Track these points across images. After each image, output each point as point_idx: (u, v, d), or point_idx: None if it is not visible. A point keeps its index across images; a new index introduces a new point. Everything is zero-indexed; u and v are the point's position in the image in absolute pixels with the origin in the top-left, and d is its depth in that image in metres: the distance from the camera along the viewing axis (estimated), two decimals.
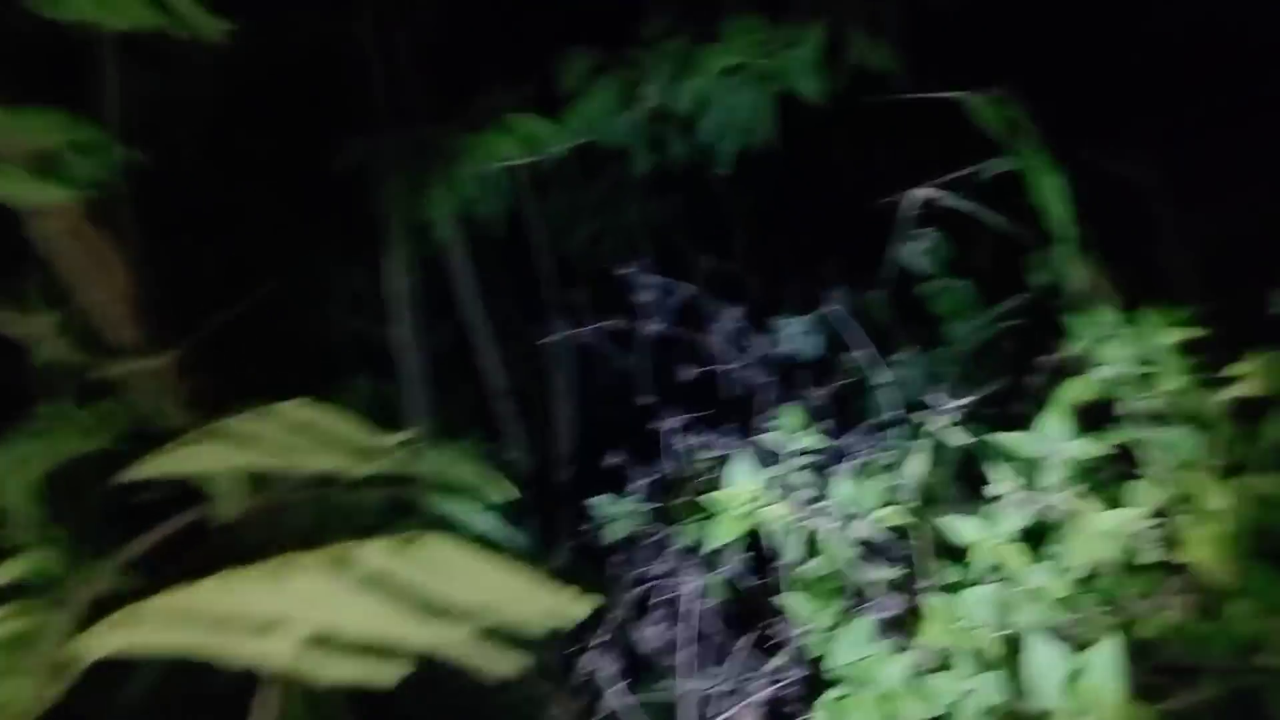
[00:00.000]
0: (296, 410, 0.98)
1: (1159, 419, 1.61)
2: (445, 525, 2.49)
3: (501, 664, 0.79)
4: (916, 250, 2.68)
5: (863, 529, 1.59)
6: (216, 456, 0.94)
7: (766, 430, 2.00)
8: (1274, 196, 2.22)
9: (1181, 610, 1.48)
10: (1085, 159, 2.22)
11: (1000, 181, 2.35)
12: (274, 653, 0.67)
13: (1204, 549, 1.46)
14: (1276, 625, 1.41)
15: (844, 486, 1.61)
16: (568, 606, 0.83)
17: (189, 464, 0.91)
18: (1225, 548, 1.46)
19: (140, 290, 1.61)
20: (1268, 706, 1.43)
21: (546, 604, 0.82)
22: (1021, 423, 1.96)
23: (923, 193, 2.22)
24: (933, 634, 1.41)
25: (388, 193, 2.36)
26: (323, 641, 0.71)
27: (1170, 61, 2.66)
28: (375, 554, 0.71)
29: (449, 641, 0.72)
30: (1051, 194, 2.17)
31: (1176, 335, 1.65)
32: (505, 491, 1.44)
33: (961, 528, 1.42)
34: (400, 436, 1.02)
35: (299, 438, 0.97)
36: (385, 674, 0.70)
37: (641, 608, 2.00)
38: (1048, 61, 2.66)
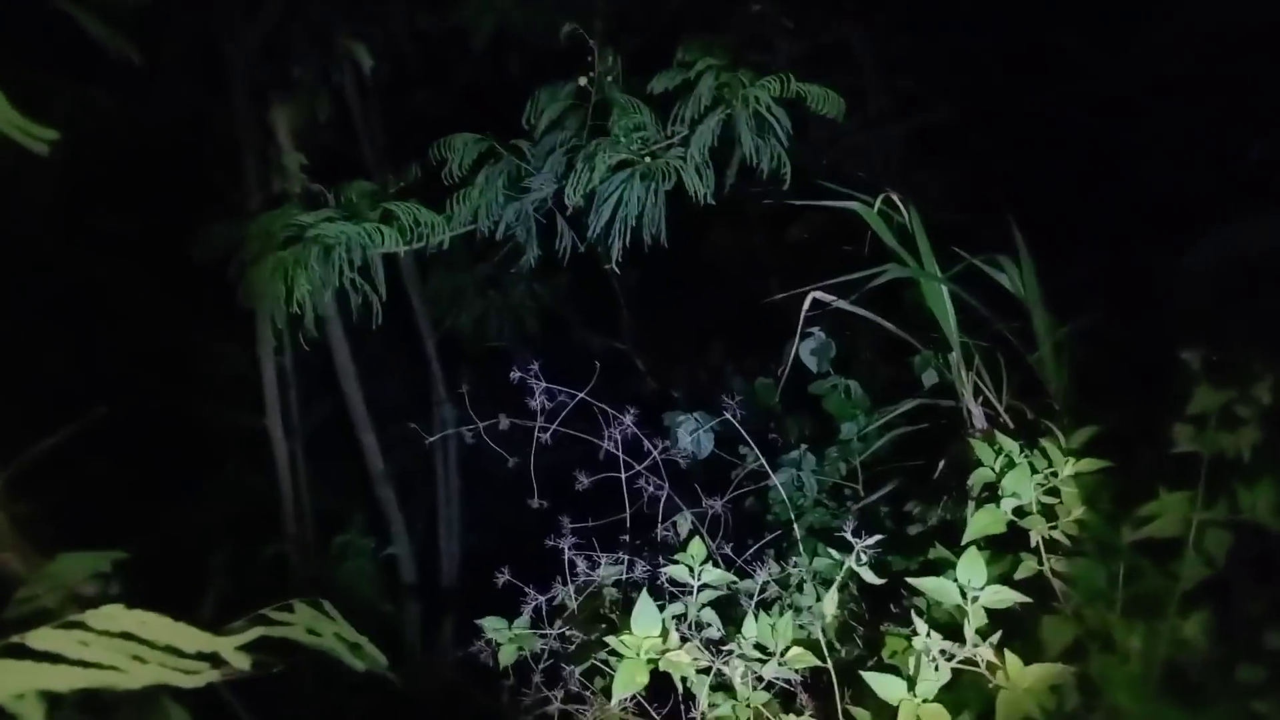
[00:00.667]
0: (114, 617, 0.79)
1: (1067, 551, 1.55)
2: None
3: None
4: (806, 348, 2.64)
5: (773, 670, 1.47)
6: (15, 678, 0.75)
7: (666, 549, 1.87)
8: (1148, 311, 2.25)
9: None
10: (971, 267, 2.21)
11: (892, 284, 2.32)
12: None
13: (1120, 691, 1.40)
14: None
15: (752, 627, 1.49)
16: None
17: None
18: (1138, 690, 1.41)
19: None
20: None
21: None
22: (941, 536, 1.89)
23: (817, 294, 2.16)
24: None
25: (250, 280, 2.15)
26: None
27: (1062, 167, 2.72)
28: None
29: None
30: (937, 302, 2.15)
31: (1077, 466, 1.61)
32: (376, 657, 1.25)
33: (885, 686, 1.32)
34: (238, 639, 0.83)
35: (119, 648, 0.78)
36: None
37: None
38: (946, 169, 2.69)
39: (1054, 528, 1.55)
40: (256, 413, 3.00)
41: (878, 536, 1.43)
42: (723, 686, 1.56)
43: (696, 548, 1.59)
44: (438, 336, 3.70)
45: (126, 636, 0.79)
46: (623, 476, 2.20)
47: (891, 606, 1.88)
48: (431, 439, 2.66)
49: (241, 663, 0.84)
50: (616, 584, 1.91)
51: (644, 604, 1.47)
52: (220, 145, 2.78)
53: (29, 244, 2.52)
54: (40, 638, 0.74)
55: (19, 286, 2.52)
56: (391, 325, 3.64)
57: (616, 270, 2.40)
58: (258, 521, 2.92)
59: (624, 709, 1.77)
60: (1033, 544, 1.56)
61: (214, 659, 0.84)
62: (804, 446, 2.54)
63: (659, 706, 1.86)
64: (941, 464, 2.16)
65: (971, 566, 1.36)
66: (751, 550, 1.94)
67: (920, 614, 1.37)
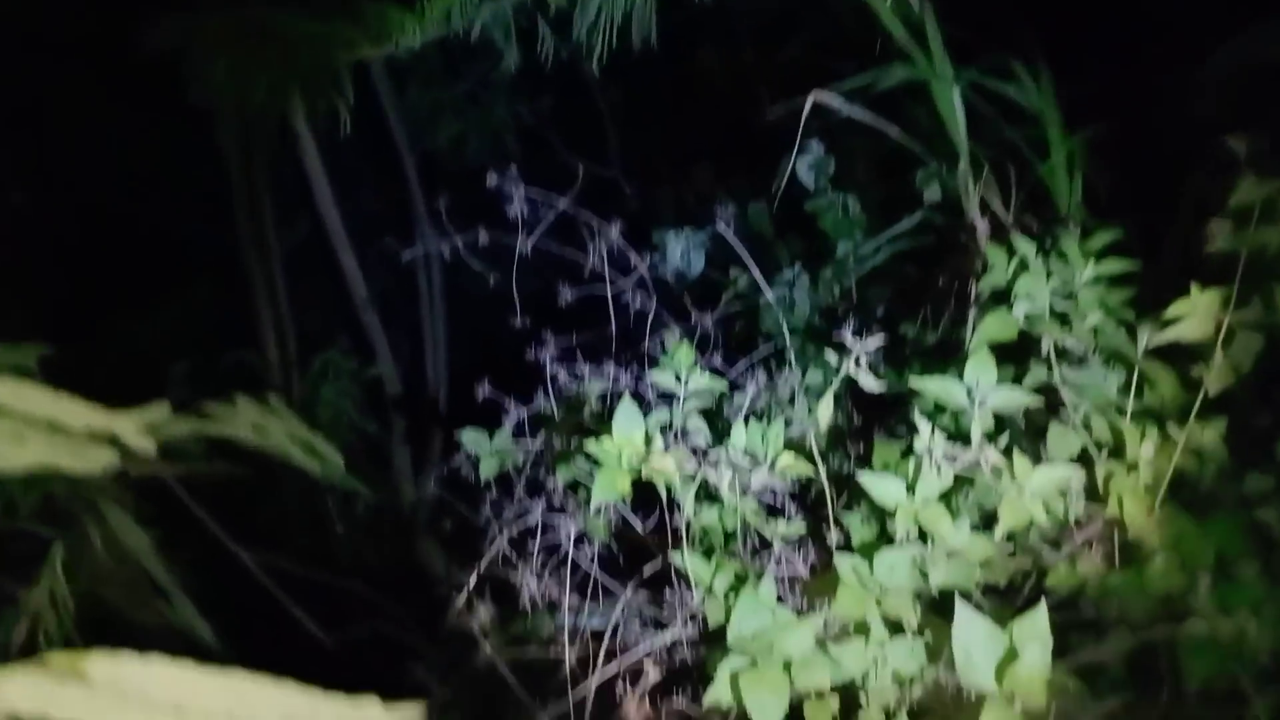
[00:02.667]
0: None
1: (1081, 359, 1.43)
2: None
3: None
4: (803, 163, 2.45)
5: (763, 479, 1.36)
6: None
7: (653, 363, 1.75)
8: (1165, 124, 2.07)
9: (1100, 563, 1.33)
10: (982, 78, 2.01)
11: (889, 94, 2.12)
12: None
13: (1127, 501, 1.31)
14: (1194, 580, 1.28)
15: (741, 433, 1.38)
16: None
17: None
18: (1148, 500, 1.31)
19: None
20: (1177, 661, 1.31)
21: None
22: (935, 358, 1.78)
23: (819, 97, 1.96)
24: (846, 602, 1.21)
25: (210, 76, 1.92)
26: None
27: None
28: (23, 687, 0.41)
29: None
30: (947, 106, 1.96)
31: (1097, 268, 1.47)
32: (333, 458, 1.13)
33: (883, 488, 1.22)
34: (140, 419, 0.69)
35: None
36: None
37: (517, 550, 1.74)
38: None
39: (1067, 334, 1.42)
40: (226, 227, 2.82)
41: (879, 337, 1.30)
42: (709, 498, 1.47)
43: (684, 353, 1.46)
44: (415, 156, 3.48)
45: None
46: (608, 291, 2.06)
47: (887, 422, 1.78)
48: (410, 254, 2.50)
49: (146, 446, 0.70)
50: (600, 397, 1.79)
51: (626, 408, 1.35)
52: None
53: None
54: None
55: None
56: (367, 144, 3.41)
57: (598, 74, 2.17)
58: (230, 338, 2.78)
59: (607, 521, 1.68)
60: (1043, 352, 1.43)
61: (114, 443, 0.70)
62: (797, 265, 2.40)
63: (643, 517, 1.79)
64: (940, 279, 2.03)
65: (981, 367, 1.23)
66: (742, 364, 1.82)
67: (924, 415, 1.26)
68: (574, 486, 1.76)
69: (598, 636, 1.61)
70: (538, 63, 2.47)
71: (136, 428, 0.71)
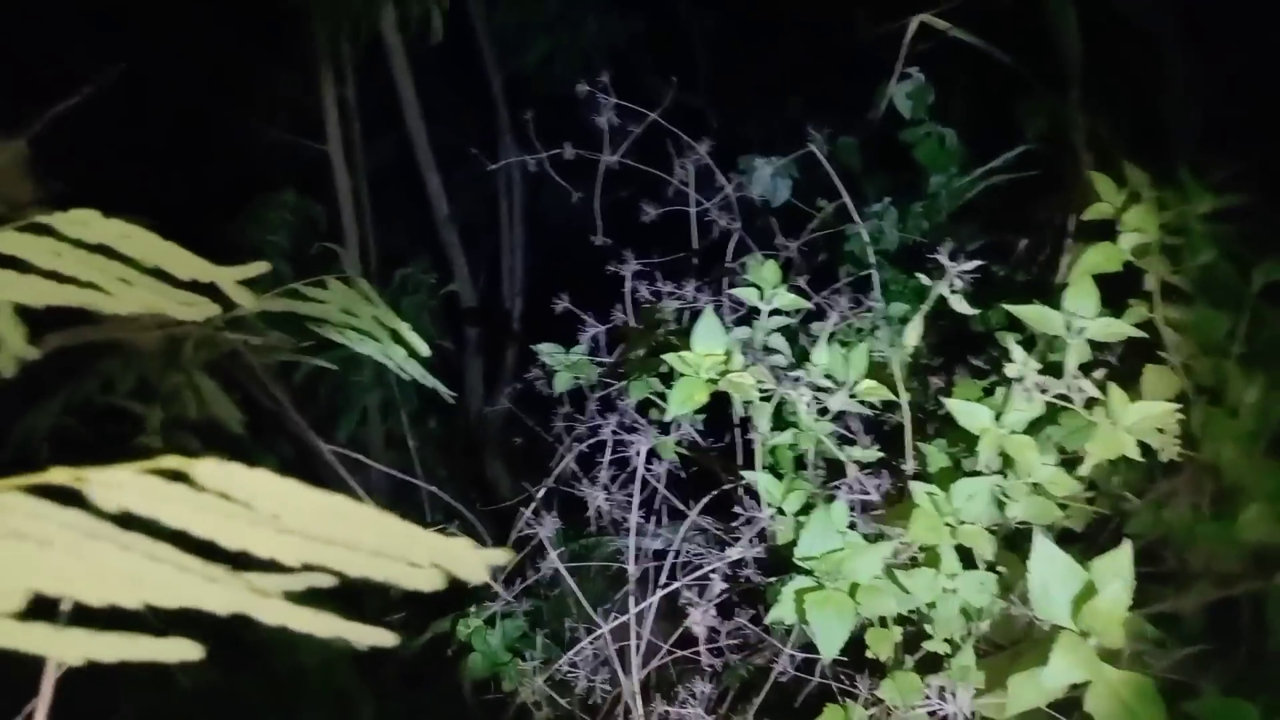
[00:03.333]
0: (89, 223, 0.65)
1: (1186, 296, 1.37)
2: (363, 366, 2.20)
3: (363, 634, 0.48)
4: (900, 91, 2.36)
5: (842, 402, 1.34)
6: None
7: (736, 283, 1.72)
8: None
9: (1190, 509, 1.28)
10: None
11: (1000, 15, 2.02)
12: None
13: (1224, 446, 1.25)
14: None
15: (824, 353, 1.35)
16: (464, 560, 0.52)
17: None
18: (1246, 445, 1.26)
19: None
20: (1261, 618, 1.26)
21: (434, 554, 0.51)
22: (1030, 293, 1.72)
23: (924, 19, 1.88)
24: (919, 529, 1.19)
25: None
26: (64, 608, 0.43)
27: None
28: (124, 481, 0.42)
29: (272, 606, 0.43)
30: (1066, 24, 1.86)
31: (1209, 203, 1.39)
32: (418, 345, 1.14)
33: (971, 413, 1.18)
34: (246, 271, 0.70)
35: (99, 263, 0.65)
36: (176, 651, 0.41)
37: (587, 465, 1.76)
38: None
39: (1176, 272, 1.36)
40: (317, 139, 2.86)
41: (976, 262, 1.25)
42: (784, 419, 1.45)
43: (769, 270, 1.43)
44: (503, 76, 3.47)
45: (105, 252, 0.66)
46: (692, 211, 2.03)
47: (969, 360, 1.73)
48: (494, 166, 2.51)
49: (246, 300, 0.71)
50: (680, 315, 1.78)
51: (707, 319, 1.33)
52: None
53: None
54: (3, 240, 0.61)
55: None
56: (456, 63, 3.40)
57: None
58: (317, 250, 2.83)
59: (678, 440, 1.68)
60: (1147, 287, 1.37)
61: (213, 292, 0.72)
62: (887, 199, 2.33)
63: (714, 442, 1.78)
64: (1040, 215, 1.95)
65: (1081, 294, 1.18)
66: (827, 291, 1.79)
67: (1018, 341, 1.21)
68: (645, 407, 1.76)
69: (662, 555, 1.62)
70: None
71: (237, 280, 0.72)
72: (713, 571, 1.46)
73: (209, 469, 0.43)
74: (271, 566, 0.46)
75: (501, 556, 0.50)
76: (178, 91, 2.61)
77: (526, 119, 2.22)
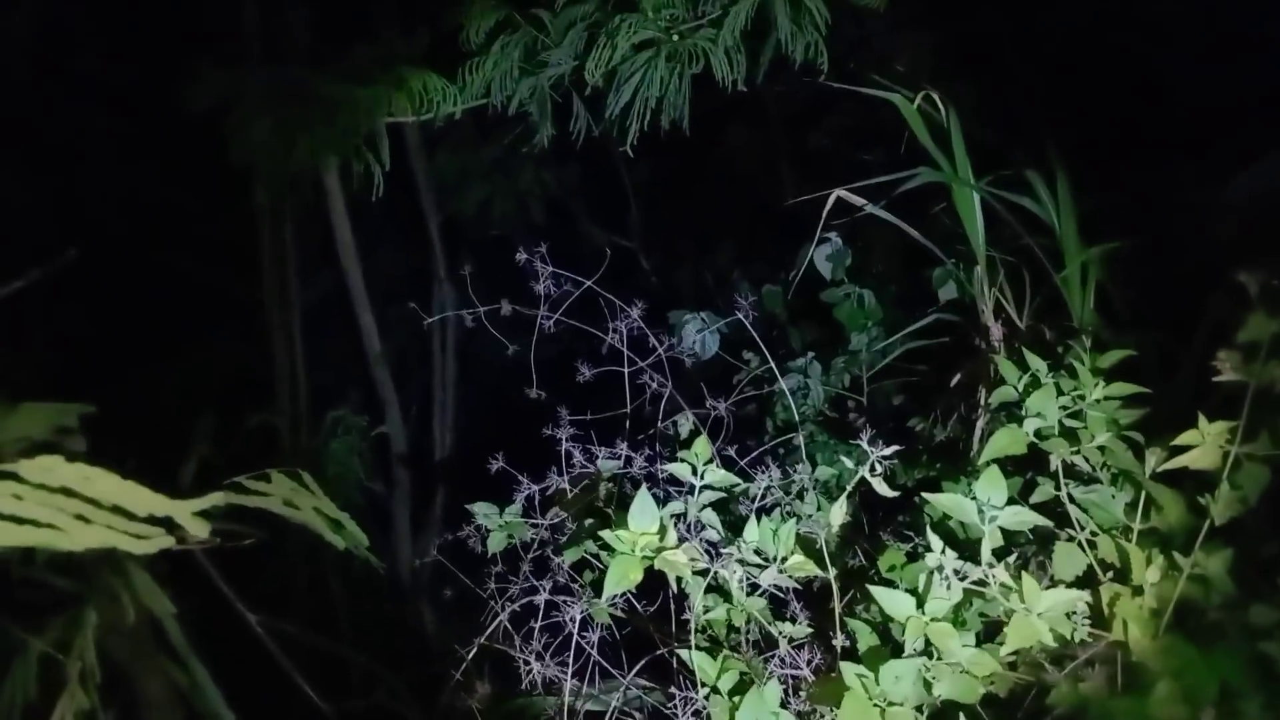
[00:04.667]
0: (51, 469, 0.68)
1: (1089, 478, 1.46)
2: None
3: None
4: (822, 253, 2.50)
5: (772, 577, 1.39)
6: None
7: (670, 443, 1.78)
8: (1186, 242, 2.12)
9: (1103, 685, 1.34)
10: (1001, 186, 2.07)
11: (912, 194, 2.18)
12: None
13: (1131, 625, 1.32)
14: (1196, 711, 1.29)
15: (754, 531, 1.40)
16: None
17: None
18: (1152, 625, 1.33)
19: None
20: None
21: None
22: (944, 459, 1.80)
23: (842, 194, 2.02)
24: (850, 712, 1.22)
25: (252, 135, 1.98)
26: None
27: (1100, 89, 2.54)
28: None
29: None
30: (968, 210, 2.02)
31: (1106, 390, 1.50)
32: (357, 535, 1.16)
33: (893, 601, 1.24)
34: (196, 504, 0.72)
35: (60, 504, 0.67)
36: None
37: (519, 623, 1.75)
38: (980, 80, 2.51)
39: (1076, 452, 1.45)
40: (251, 282, 2.88)
41: (895, 447, 1.33)
42: (717, 590, 1.49)
43: (700, 446, 1.49)
44: (441, 218, 3.55)
45: (67, 493, 0.69)
46: (625, 371, 2.10)
47: (894, 520, 1.80)
48: (430, 320, 2.55)
49: (200, 530, 0.73)
50: (614, 479, 1.82)
51: (642, 499, 1.37)
52: None
53: (8, 88, 2.34)
54: None
55: None
56: (394, 203, 3.48)
57: (630, 154, 2.24)
58: (248, 392, 2.82)
59: (612, 605, 1.70)
60: (1052, 468, 1.46)
61: (169, 524, 0.74)
62: (810, 355, 2.44)
63: (647, 605, 1.80)
64: (955, 379, 2.07)
65: (991, 484, 1.26)
66: (754, 454, 1.85)
67: (934, 528, 1.28)
68: (580, 568, 1.78)
69: (597, 717, 1.61)
70: (567, 134, 2.54)
71: (193, 514, 0.74)
72: None
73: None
74: None
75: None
76: (120, 235, 2.62)
77: (464, 273, 2.27)
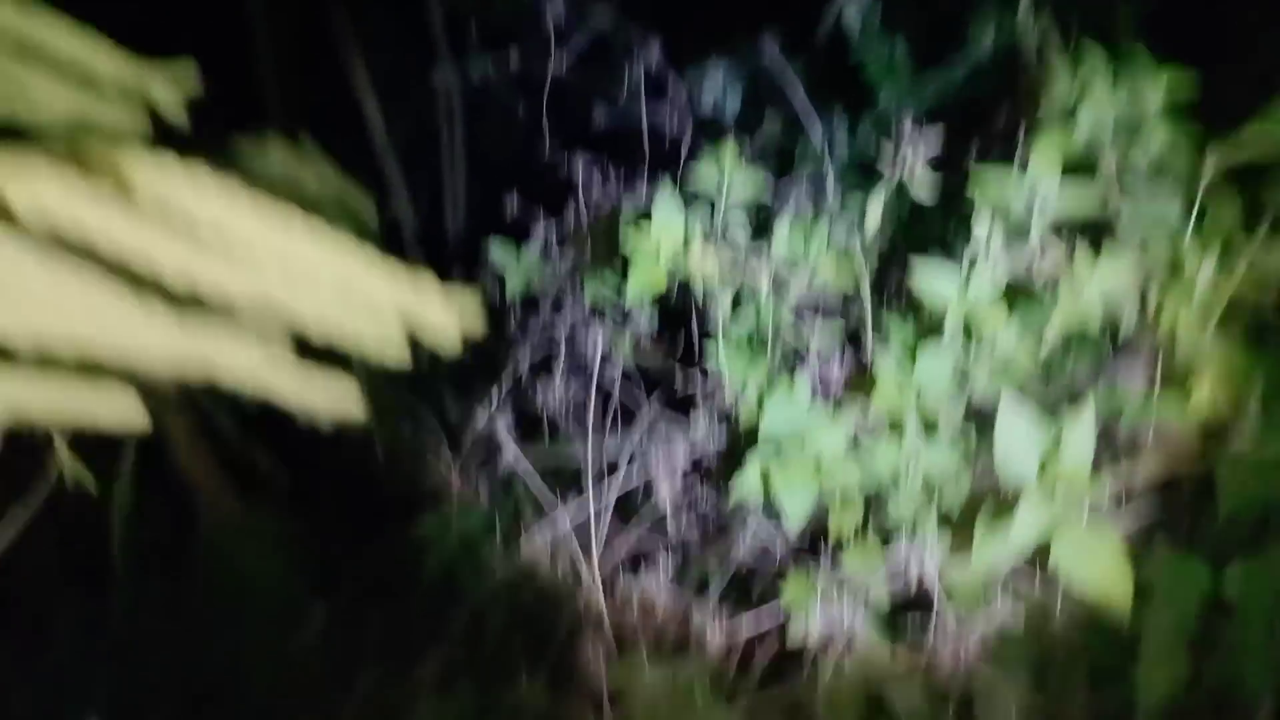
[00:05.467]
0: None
1: (1144, 179, 1.37)
2: None
3: (329, 394, 0.43)
4: (852, 7, 2.34)
5: (804, 282, 1.33)
6: None
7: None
8: None
9: (1140, 383, 1.30)
10: None
11: None
12: None
13: (1181, 319, 1.27)
14: (1239, 409, 1.25)
15: (784, 233, 1.34)
16: (435, 311, 0.47)
17: None
18: (1200, 321, 1.28)
19: None
20: (1206, 491, 1.29)
21: (402, 303, 0.45)
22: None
23: None
24: (883, 396, 1.18)
25: None
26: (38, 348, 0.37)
27: None
28: (46, 184, 0.36)
29: (229, 354, 0.38)
30: None
31: (1167, 87, 1.40)
32: (365, 209, 1.09)
33: (936, 280, 1.18)
34: (172, 69, 0.64)
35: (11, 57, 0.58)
36: (114, 409, 0.36)
37: (543, 365, 1.72)
38: None
39: (1132, 154, 1.36)
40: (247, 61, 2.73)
41: (934, 139, 1.24)
42: (743, 303, 1.44)
43: (727, 152, 1.41)
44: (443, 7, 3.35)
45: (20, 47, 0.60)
46: (643, 116, 2.00)
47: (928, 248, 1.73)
48: (437, 82, 2.43)
49: (173, 104, 0.65)
50: (634, 214, 1.75)
51: (665, 200, 1.30)
52: None
53: None
54: None
55: None
56: None
57: None
58: None
59: (633, 337, 1.66)
60: (1104, 169, 1.37)
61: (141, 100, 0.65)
62: (837, 108, 2.31)
63: (669, 340, 1.76)
64: (994, 120, 1.95)
65: (1044, 160, 1.18)
66: (782, 180, 1.77)
67: (983, 201, 1.21)
68: (599, 312, 1.73)
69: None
70: None
71: (164, 83, 0.66)
72: (666, 463, 1.45)
73: (148, 172, 0.38)
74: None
75: (471, 302, 0.46)
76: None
77: (468, 34, 2.14)
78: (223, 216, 0.39)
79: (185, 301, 0.40)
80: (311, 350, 0.45)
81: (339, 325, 0.43)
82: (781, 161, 2.23)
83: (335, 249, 0.43)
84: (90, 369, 0.41)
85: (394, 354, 0.45)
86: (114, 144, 0.38)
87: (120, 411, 0.40)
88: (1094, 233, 1.39)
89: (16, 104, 0.59)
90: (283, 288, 0.41)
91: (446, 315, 0.46)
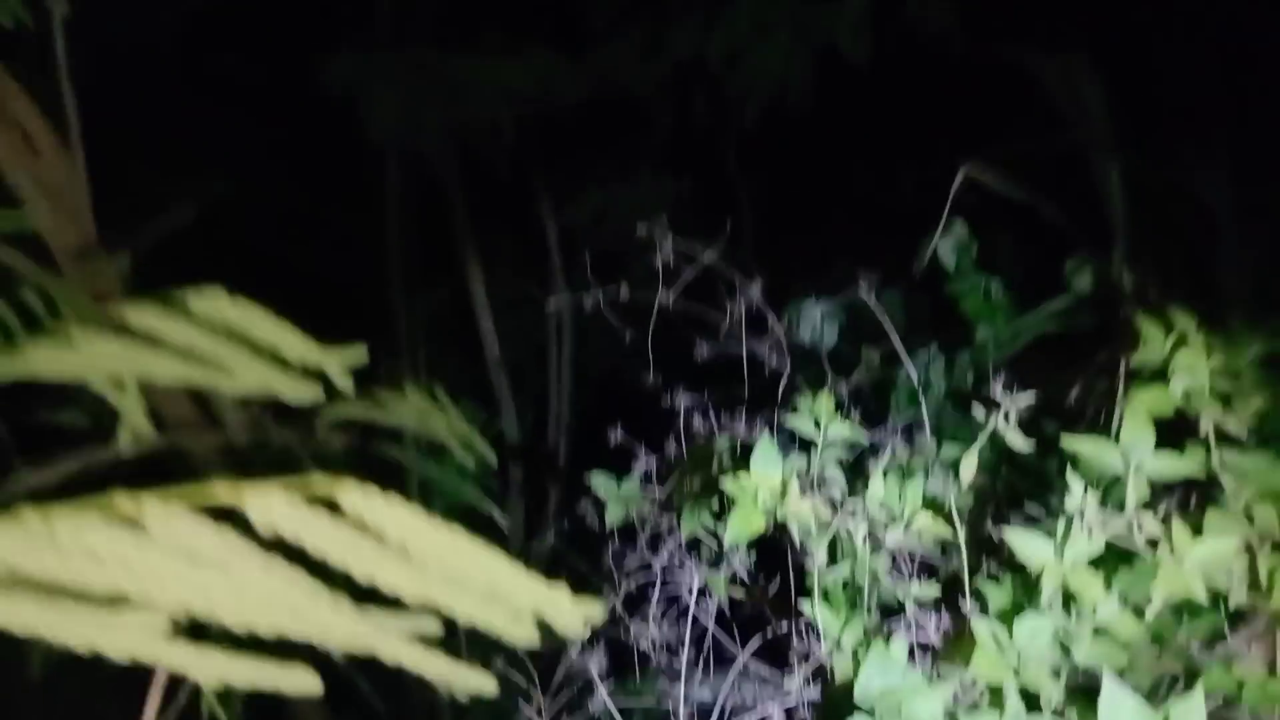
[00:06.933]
0: (220, 304, 0.71)
1: (1240, 442, 1.38)
2: (418, 486, 2.25)
3: (468, 679, 0.51)
4: (946, 243, 2.45)
5: (899, 536, 1.36)
6: (106, 356, 0.66)
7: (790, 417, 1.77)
8: None
9: (1260, 662, 1.26)
10: (1145, 157, 2.00)
11: (1046, 171, 2.12)
12: (127, 640, 0.42)
13: None
14: None
15: (881, 485, 1.38)
16: (563, 609, 0.55)
17: (62, 364, 0.63)
18: None
19: (83, 192, 1.33)
20: None
21: (535, 601, 0.54)
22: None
23: (971, 171, 1.99)
24: (983, 665, 1.18)
25: (379, 113, 2.08)
26: (199, 627, 0.46)
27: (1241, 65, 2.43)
28: (277, 501, 0.46)
29: (392, 642, 0.46)
30: (1112, 184, 1.96)
31: (1259, 347, 1.42)
32: (486, 454, 1.19)
33: (1030, 547, 1.19)
34: (344, 356, 0.75)
35: (219, 340, 0.70)
36: (296, 681, 0.44)
37: (637, 601, 1.76)
38: (1120, 39, 2.42)
39: (1229, 415, 1.38)
40: (378, 279, 3.01)
41: (1030, 394, 1.29)
42: (839, 552, 1.46)
43: (824, 402, 1.48)
44: (558, 227, 3.64)
45: (229, 333, 0.73)
46: (744, 351, 2.10)
47: (1028, 498, 1.74)
48: (551, 308, 2.61)
49: (346, 384, 0.77)
50: (733, 449, 1.82)
51: (764, 445, 1.37)
52: None
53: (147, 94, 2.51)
54: (141, 313, 0.68)
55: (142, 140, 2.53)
56: (512, 211, 3.58)
57: (747, 127, 2.26)
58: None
59: (731, 575, 1.69)
60: (1202, 432, 1.39)
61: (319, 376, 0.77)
62: (933, 346, 2.38)
63: (764, 581, 1.77)
64: (1089, 368, 1.99)
65: (1137, 429, 1.21)
66: (878, 428, 1.82)
67: (1074, 470, 1.23)
68: (695, 546, 1.78)
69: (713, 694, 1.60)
70: (684, 132, 2.57)
71: (340, 365, 0.78)
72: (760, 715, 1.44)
73: (353, 495, 0.47)
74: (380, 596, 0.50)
75: (597, 608, 0.54)
76: (247, 223, 2.77)
77: (583, 261, 2.33)
78: (404, 531, 0.49)
79: (366, 596, 0.49)
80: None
81: (483, 618, 0.52)
82: (879, 400, 2.30)
83: (487, 559, 0.52)
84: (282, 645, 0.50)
85: (524, 638, 0.53)
86: (333, 476, 0.48)
87: (299, 682, 0.48)
88: (1201, 494, 1.39)
89: (220, 378, 0.71)
90: (442, 588, 0.50)
91: (573, 615, 0.54)
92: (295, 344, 0.74)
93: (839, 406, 2.02)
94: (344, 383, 0.77)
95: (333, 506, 0.51)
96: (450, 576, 0.52)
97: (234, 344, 0.73)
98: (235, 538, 0.48)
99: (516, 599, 0.54)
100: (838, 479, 1.45)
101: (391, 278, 3.03)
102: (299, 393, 0.74)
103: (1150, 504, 1.33)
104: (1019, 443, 1.30)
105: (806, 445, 1.48)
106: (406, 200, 2.88)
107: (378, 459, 1.31)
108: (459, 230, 3.24)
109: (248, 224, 2.88)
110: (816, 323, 2.35)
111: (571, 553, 2.13)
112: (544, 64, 2.29)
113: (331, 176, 2.88)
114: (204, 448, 1.29)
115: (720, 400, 1.99)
